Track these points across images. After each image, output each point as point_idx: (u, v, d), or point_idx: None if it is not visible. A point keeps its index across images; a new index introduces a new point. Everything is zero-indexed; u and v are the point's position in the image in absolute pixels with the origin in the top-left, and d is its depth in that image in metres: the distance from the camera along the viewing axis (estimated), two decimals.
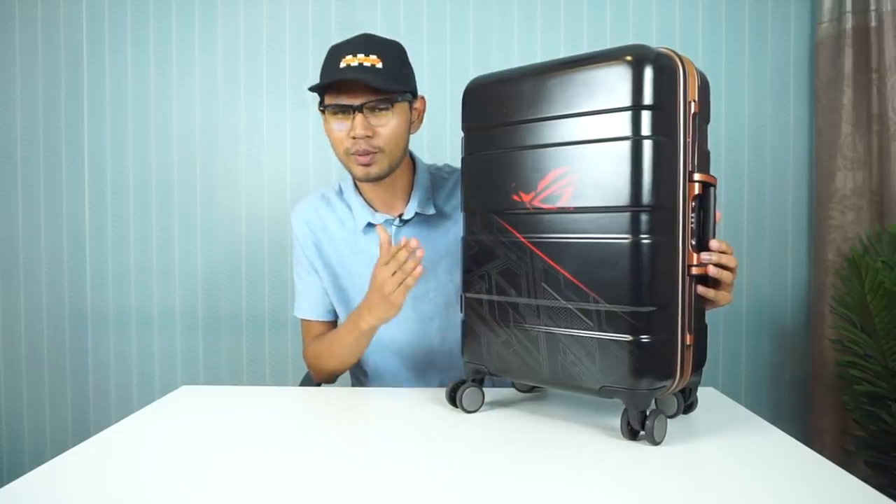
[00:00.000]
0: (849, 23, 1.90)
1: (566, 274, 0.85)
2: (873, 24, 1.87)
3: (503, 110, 0.91)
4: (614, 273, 0.81)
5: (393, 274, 1.01)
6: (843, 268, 1.86)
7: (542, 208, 0.87)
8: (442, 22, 2.02)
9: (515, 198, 0.90)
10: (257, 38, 2.03)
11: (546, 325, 0.88)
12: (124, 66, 2.03)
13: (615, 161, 0.81)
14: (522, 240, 0.89)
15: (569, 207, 0.85)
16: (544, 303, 0.87)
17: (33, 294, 2.07)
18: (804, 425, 2.05)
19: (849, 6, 1.90)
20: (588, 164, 0.83)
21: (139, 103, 2.04)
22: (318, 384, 1.32)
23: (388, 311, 1.05)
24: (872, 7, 1.87)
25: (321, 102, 1.11)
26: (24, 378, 2.08)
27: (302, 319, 1.29)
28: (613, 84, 0.81)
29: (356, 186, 1.22)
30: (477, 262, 0.95)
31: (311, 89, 1.09)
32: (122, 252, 2.06)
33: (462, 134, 0.98)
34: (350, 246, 1.22)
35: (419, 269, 1.00)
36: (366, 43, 1.08)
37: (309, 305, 1.27)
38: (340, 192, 1.25)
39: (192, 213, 2.05)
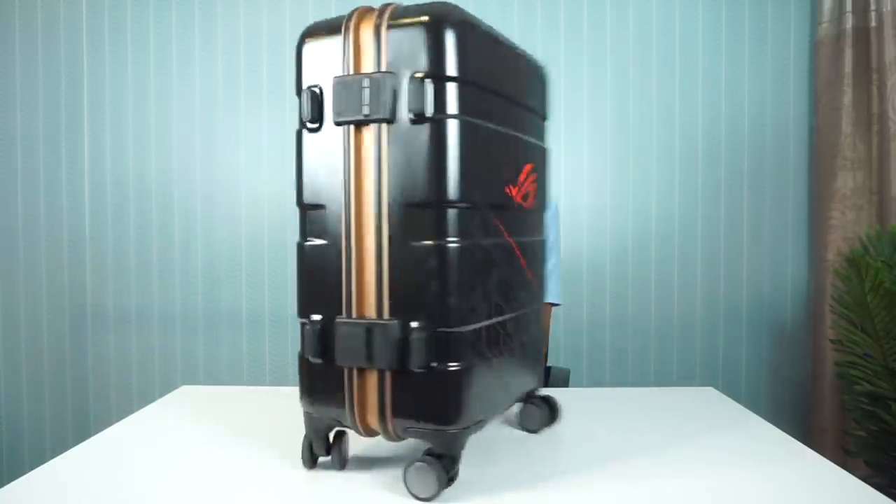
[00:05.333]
0: (849, 23, 1.90)
1: None
2: (873, 24, 1.87)
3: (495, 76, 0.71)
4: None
5: None
6: (843, 267, 1.86)
7: None
8: None
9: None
10: (257, 38, 2.03)
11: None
12: (124, 66, 2.03)
13: None
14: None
15: None
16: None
17: (33, 294, 2.07)
18: (804, 425, 2.05)
19: (849, 6, 1.89)
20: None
21: (139, 103, 2.04)
22: None
23: None
24: (872, 7, 1.87)
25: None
26: (24, 378, 2.08)
27: None
28: None
29: None
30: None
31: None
32: (122, 252, 2.06)
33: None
34: None
35: None
36: None
37: None
38: None
39: (192, 213, 2.05)
